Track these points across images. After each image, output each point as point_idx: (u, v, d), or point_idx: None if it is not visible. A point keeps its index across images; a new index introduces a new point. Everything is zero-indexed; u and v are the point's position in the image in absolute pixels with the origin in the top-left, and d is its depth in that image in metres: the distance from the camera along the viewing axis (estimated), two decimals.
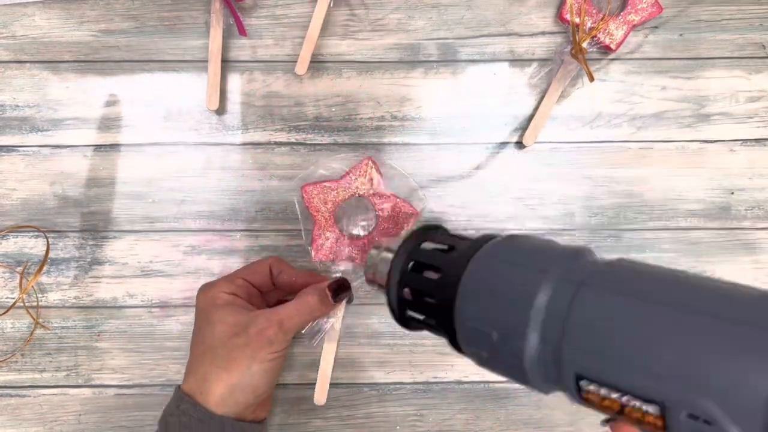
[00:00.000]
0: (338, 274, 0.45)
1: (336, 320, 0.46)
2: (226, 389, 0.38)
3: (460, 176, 0.48)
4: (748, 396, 0.19)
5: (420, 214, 0.47)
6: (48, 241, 0.48)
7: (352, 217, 0.47)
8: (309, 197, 0.46)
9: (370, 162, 0.46)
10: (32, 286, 0.47)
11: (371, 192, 0.46)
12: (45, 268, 0.48)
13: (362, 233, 0.47)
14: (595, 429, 0.48)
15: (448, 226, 0.48)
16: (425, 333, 0.48)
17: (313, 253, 0.46)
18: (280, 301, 0.43)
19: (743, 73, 0.49)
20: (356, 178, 0.46)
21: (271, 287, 0.44)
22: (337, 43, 0.49)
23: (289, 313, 0.39)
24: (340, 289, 0.41)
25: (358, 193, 0.46)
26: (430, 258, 0.31)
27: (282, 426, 0.48)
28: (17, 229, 0.48)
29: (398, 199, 0.46)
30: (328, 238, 0.45)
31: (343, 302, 0.45)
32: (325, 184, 0.46)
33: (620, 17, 0.47)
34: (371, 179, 0.46)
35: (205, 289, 0.41)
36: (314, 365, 0.47)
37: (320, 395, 0.47)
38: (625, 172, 0.49)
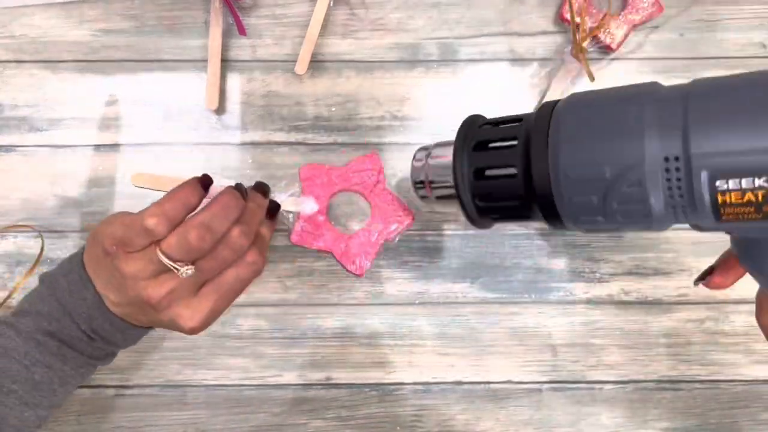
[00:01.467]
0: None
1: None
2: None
3: None
4: None
5: (412, 221, 0.47)
6: (43, 240, 0.48)
7: (345, 210, 0.46)
8: (305, 178, 0.44)
9: (375, 157, 0.45)
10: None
11: (368, 185, 0.45)
12: (45, 268, 0.48)
13: (351, 228, 0.46)
14: (595, 429, 0.48)
15: (447, 226, 0.48)
16: (425, 333, 0.48)
17: (293, 236, 0.45)
18: None
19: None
20: (359, 173, 0.45)
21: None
22: (337, 42, 0.49)
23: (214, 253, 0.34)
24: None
25: (356, 189, 0.45)
26: (499, 133, 0.30)
27: (282, 426, 0.48)
28: (9, 229, 0.48)
29: (395, 200, 0.46)
30: (311, 222, 0.44)
31: None
32: (325, 167, 0.45)
33: (621, 17, 0.47)
34: (373, 176, 0.45)
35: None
36: (314, 365, 0.47)
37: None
38: None
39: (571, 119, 0.26)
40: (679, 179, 0.23)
